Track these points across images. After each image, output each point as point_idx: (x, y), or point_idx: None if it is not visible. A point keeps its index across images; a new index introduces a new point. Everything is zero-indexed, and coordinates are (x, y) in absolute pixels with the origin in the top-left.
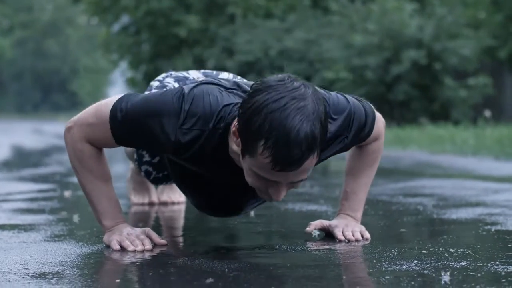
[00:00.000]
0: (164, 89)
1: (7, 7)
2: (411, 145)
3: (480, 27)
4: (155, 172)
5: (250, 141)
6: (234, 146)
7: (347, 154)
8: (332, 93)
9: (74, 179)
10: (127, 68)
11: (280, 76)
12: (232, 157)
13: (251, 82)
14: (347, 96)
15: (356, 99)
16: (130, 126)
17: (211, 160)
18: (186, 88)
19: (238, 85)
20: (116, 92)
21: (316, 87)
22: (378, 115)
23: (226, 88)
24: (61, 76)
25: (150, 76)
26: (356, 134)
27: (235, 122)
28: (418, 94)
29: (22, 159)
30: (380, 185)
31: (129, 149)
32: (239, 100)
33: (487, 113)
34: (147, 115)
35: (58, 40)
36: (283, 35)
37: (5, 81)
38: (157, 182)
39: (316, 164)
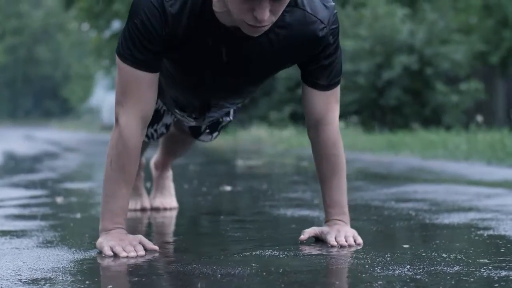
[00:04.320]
0: None
1: None
2: (403, 150)
3: (471, 32)
4: None
5: None
6: None
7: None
8: None
9: (66, 185)
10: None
11: None
12: (216, 13)
13: None
14: None
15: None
16: (133, 33)
17: (198, 29)
18: None
19: None
20: (98, 97)
21: None
22: (338, 96)
23: None
24: (53, 82)
25: None
26: (327, 46)
27: None
28: (409, 99)
29: (14, 166)
30: (372, 190)
31: None
32: None
33: (479, 118)
34: (137, 10)
35: (49, 46)
36: None
37: None
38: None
39: (293, 51)
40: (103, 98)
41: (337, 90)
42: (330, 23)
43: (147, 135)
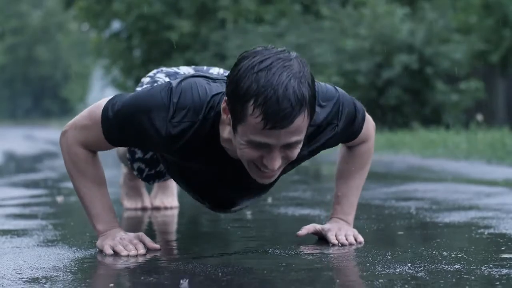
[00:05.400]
0: (153, 85)
1: None
2: (403, 149)
3: (471, 31)
4: (148, 169)
5: (240, 106)
6: (226, 131)
7: (337, 157)
8: (321, 82)
9: (67, 185)
10: (119, 73)
11: (264, 46)
12: (224, 147)
13: None
14: (336, 87)
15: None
16: (121, 124)
17: (203, 153)
18: (174, 82)
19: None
20: (95, 97)
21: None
22: (368, 117)
23: (214, 79)
24: (53, 82)
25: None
26: (346, 126)
27: (224, 99)
28: (409, 98)
29: (14, 165)
30: (373, 189)
31: (121, 150)
32: None
33: (479, 117)
34: (137, 110)
35: (49, 46)
36: (275, 40)
37: None
38: (149, 179)
39: (312, 154)
40: (99, 97)
41: (367, 122)
42: (341, 114)
43: (148, 181)
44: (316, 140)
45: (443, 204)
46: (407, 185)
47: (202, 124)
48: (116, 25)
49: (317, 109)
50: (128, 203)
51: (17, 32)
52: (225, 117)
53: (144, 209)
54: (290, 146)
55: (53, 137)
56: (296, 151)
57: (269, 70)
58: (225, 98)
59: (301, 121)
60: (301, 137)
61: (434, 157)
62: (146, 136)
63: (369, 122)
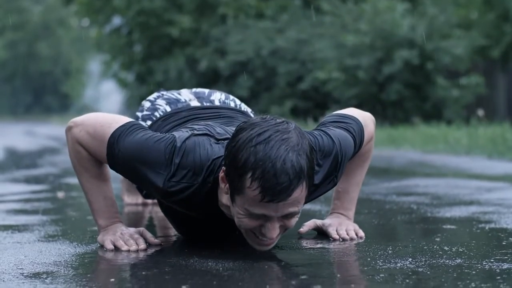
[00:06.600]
0: (159, 136)
1: None
2: (404, 144)
3: (472, 27)
4: None
5: (238, 177)
6: (224, 198)
7: None
8: (317, 133)
9: (67, 180)
10: (119, 69)
11: (262, 115)
12: (222, 210)
13: (244, 106)
14: (332, 133)
15: (341, 123)
16: (123, 164)
17: (199, 209)
18: (179, 140)
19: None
20: (91, 94)
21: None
22: (366, 118)
23: (217, 140)
24: (53, 78)
25: (142, 77)
26: (346, 164)
27: (222, 169)
28: (410, 93)
29: (15, 161)
30: (374, 184)
31: None
32: None
33: (480, 112)
34: (139, 161)
35: (49, 42)
36: (275, 35)
37: None
38: (149, 197)
39: (306, 202)
40: (96, 94)
41: (366, 128)
42: (340, 165)
43: (148, 199)
44: (314, 194)
45: (444, 199)
46: (408, 180)
47: (200, 187)
48: (116, 20)
49: (316, 168)
50: (128, 199)
51: (17, 28)
52: (223, 186)
53: (144, 204)
54: (288, 216)
55: (54, 132)
56: (294, 220)
57: (267, 143)
58: (223, 168)
59: (299, 193)
60: (299, 207)
61: (435, 152)
62: (144, 183)
63: (368, 125)
